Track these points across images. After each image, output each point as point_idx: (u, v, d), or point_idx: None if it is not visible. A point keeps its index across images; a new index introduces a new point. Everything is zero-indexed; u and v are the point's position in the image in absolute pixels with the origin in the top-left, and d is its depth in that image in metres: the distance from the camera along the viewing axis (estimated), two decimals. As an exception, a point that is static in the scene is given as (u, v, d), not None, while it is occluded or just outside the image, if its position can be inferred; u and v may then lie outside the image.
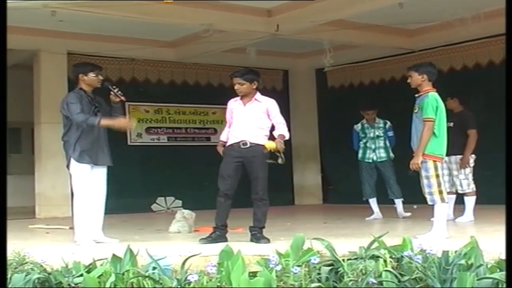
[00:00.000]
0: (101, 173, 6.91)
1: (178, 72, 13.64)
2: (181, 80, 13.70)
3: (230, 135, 6.77)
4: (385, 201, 9.99)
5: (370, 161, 9.93)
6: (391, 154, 9.87)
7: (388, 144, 9.93)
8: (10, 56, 12.34)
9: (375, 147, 9.92)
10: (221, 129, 7.45)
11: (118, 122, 6.95)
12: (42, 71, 11.80)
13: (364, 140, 10.03)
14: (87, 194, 6.73)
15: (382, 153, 9.87)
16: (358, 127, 10.17)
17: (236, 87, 6.67)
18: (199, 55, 12.65)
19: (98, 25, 11.11)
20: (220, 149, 6.85)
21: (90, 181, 6.77)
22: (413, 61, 10.55)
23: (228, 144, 6.75)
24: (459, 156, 8.70)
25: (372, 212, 9.78)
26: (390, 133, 9.93)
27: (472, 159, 8.83)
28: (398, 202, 9.81)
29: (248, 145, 6.56)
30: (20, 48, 11.20)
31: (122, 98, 6.97)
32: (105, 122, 6.79)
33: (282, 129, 6.70)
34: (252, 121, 6.63)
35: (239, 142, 6.60)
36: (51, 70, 11.62)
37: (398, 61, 13.13)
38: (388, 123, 10.00)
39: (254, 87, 6.70)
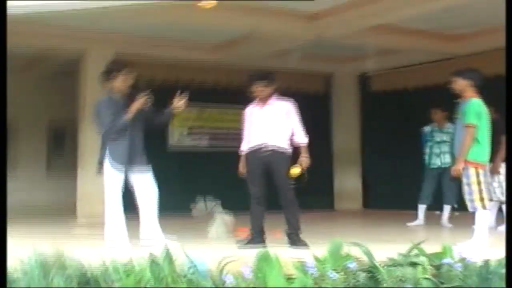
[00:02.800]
0: (142, 176, 6.80)
1: (221, 74, 13.70)
2: (224, 82, 13.75)
3: (251, 140, 6.68)
4: (430, 208, 9.87)
5: (435, 167, 9.74)
6: None
7: None
8: (56, 58, 12.56)
9: (439, 151, 9.72)
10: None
11: (136, 104, 6.61)
12: (89, 73, 11.90)
13: (430, 144, 9.86)
14: (116, 197, 6.62)
15: (447, 158, 9.47)
16: (427, 129, 10.01)
17: (259, 90, 6.60)
18: (242, 58, 12.64)
19: (145, 29, 11.18)
20: (242, 164, 6.79)
21: (121, 185, 6.67)
22: (457, 67, 10.40)
23: (249, 148, 6.68)
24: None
25: (416, 218, 9.67)
26: None
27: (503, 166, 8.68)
28: (446, 209, 9.62)
29: (270, 148, 6.51)
30: (66, 51, 11.33)
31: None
32: (129, 114, 6.56)
33: (300, 135, 6.65)
34: (271, 124, 6.57)
35: (261, 145, 6.54)
36: (97, 73, 11.70)
37: (442, 66, 12.96)
38: None
39: (273, 89, 6.67)
